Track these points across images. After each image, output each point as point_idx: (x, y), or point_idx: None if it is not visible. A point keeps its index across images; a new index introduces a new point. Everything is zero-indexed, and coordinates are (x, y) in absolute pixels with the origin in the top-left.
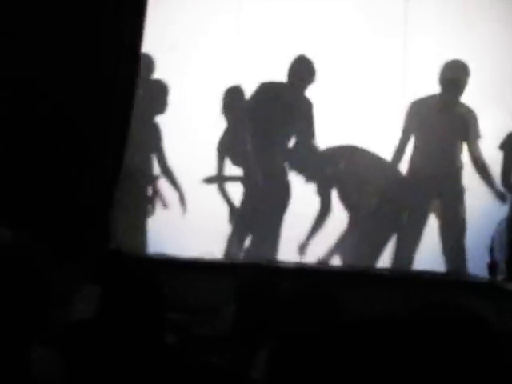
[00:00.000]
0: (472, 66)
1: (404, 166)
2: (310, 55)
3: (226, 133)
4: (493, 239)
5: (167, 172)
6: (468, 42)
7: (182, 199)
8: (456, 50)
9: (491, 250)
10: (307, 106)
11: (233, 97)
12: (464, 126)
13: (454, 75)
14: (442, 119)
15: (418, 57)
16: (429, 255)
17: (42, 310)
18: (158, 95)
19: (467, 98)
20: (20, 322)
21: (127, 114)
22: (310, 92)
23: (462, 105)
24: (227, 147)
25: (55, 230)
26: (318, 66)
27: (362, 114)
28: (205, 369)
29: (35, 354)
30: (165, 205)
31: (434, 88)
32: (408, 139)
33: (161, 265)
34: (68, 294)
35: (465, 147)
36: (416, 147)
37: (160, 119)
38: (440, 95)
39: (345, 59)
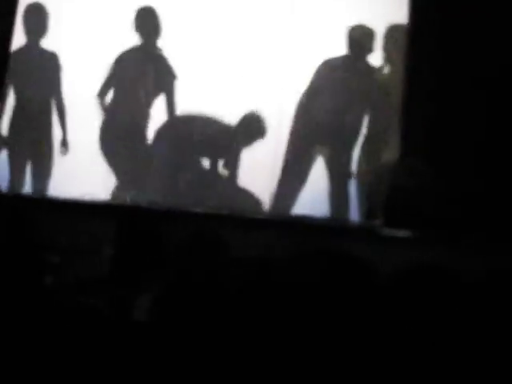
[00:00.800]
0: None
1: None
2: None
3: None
4: (370, 186)
5: (61, 108)
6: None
7: (65, 139)
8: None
9: (368, 197)
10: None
11: None
12: (366, 83)
13: (358, 38)
14: (345, 78)
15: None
16: (314, 200)
17: None
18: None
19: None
20: None
21: None
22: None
23: (365, 63)
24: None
25: None
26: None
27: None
28: (81, 309)
29: None
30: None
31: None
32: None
33: (37, 204)
34: None
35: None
36: (317, 102)
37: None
38: (345, 56)
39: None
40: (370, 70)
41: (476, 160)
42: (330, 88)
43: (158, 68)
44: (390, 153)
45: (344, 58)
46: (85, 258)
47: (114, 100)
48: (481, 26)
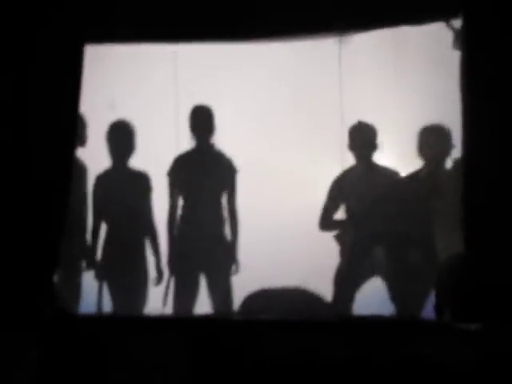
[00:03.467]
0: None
1: None
2: (248, 110)
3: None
4: (437, 283)
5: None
6: (401, 90)
7: (159, 266)
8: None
9: (436, 293)
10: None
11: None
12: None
13: (369, 138)
14: (371, 184)
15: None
16: (373, 300)
17: None
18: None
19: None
20: None
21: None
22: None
23: (384, 168)
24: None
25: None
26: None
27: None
28: None
29: None
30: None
31: None
32: (336, 208)
33: (108, 323)
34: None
35: None
36: (350, 213)
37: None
38: (361, 161)
39: (282, 109)
40: (393, 173)
41: None
42: (362, 199)
43: (219, 165)
44: (453, 248)
45: (361, 164)
46: (154, 373)
47: (187, 208)
48: None
